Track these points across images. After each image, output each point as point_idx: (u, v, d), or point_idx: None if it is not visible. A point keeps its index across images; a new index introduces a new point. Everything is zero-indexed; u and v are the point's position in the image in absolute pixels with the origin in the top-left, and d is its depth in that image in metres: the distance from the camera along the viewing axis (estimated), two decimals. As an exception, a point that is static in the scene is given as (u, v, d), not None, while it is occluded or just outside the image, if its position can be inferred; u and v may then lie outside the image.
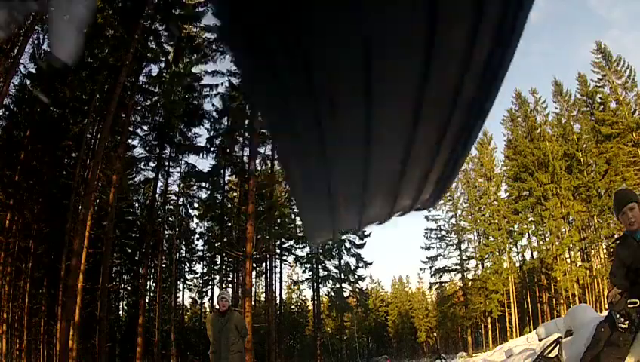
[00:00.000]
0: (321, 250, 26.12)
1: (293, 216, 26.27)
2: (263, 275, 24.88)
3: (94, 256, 14.85)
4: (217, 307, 5.94)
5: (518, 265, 28.44)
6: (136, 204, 21.51)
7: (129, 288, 21.35)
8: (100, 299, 14.57)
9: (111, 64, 14.51)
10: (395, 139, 0.51)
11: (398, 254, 75.38)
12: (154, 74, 17.53)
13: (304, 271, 27.47)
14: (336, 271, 26.89)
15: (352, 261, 26.80)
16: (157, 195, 19.66)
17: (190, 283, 23.71)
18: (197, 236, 23.32)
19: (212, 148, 19.27)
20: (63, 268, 13.36)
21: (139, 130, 18.53)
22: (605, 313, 3.25)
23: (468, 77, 0.42)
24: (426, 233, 29.75)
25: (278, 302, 24.80)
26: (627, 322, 2.76)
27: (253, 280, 22.19)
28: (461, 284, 29.91)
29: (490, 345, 25.30)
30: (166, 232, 20.89)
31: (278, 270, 25.11)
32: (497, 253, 28.17)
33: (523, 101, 28.51)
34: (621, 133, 23.59)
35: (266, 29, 0.35)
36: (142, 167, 19.47)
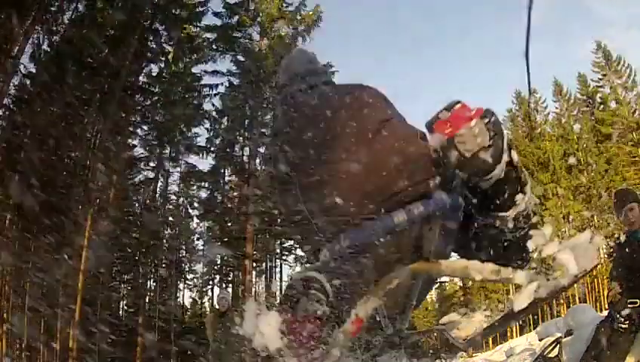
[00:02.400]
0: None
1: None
2: (263, 275, 24.86)
3: (94, 256, 14.84)
4: (217, 307, 5.94)
5: (518, 264, 28.42)
6: (136, 204, 21.49)
7: (129, 288, 21.33)
8: (100, 298, 14.58)
9: (111, 64, 14.50)
10: None
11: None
12: (154, 74, 17.54)
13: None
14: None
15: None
16: (157, 195, 19.64)
17: (190, 283, 23.67)
18: (197, 236, 23.30)
19: (212, 148, 19.25)
20: (63, 268, 13.35)
21: (139, 130, 18.53)
22: (605, 313, 3.25)
23: None
24: (426, 233, 29.80)
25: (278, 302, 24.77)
26: (627, 322, 2.76)
27: (254, 280, 22.17)
28: (461, 284, 29.89)
29: (490, 344, 25.30)
30: (166, 232, 20.87)
31: (278, 270, 25.09)
32: (497, 253, 28.18)
33: (523, 101, 28.48)
34: (621, 133, 23.58)
35: None
36: (142, 166, 19.45)
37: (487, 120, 1.12)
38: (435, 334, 1.50)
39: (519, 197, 1.19)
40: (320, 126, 1.24)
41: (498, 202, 1.18)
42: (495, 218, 1.20)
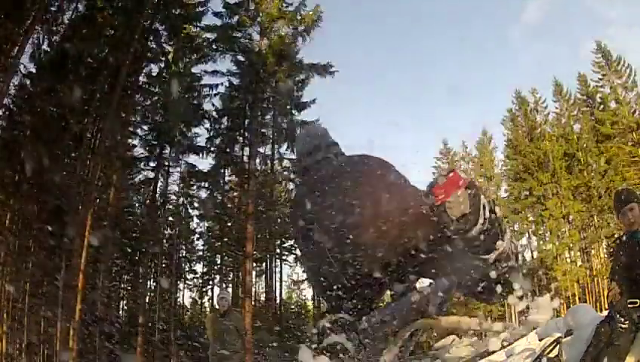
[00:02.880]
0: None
1: (293, 216, 26.23)
2: (263, 275, 24.85)
3: (94, 256, 14.85)
4: (217, 307, 5.94)
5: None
6: (137, 204, 21.50)
7: (129, 288, 21.34)
8: (99, 299, 14.58)
9: (111, 64, 14.50)
10: None
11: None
12: (154, 74, 17.54)
13: (304, 271, 27.44)
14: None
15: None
16: (157, 195, 19.64)
17: (190, 283, 23.68)
18: (197, 236, 23.30)
19: (212, 148, 19.24)
20: (63, 268, 13.36)
21: (139, 130, 18.52)
22: (605, 313, 3.24)
23: None
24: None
25: (278, 302, 24.78)
26: (627, 322, 2.75)
27: (254, 280, 22.16)
28: (461, 284, 29.88)
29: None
30: (166, 232, 20.87)
31: (278, 270, 25.08)
32: (497, 253, 28.17)
33: (523, 101, 28.47)
34: (621, 133, 23.57)
35: None
36: (142, 167, 19.45)
37: (469, 191, 1.47)
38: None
39: (499, 243, 1.54)
40: (339, 191, 1.55)
41: (481, 247, 1.51)
42: (479, 260, 1.53)
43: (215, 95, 18.91)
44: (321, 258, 1.57)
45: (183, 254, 22.96)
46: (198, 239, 23.51)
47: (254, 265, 21.57)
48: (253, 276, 21.98)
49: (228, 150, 19.36)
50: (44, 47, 14.27)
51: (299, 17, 18.45)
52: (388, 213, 1.47)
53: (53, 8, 13.83)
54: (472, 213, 1.45)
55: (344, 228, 1.50)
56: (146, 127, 18.56)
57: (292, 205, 1.97)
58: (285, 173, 20.40)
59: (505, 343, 1.66)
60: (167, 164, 19.42)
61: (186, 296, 25.75)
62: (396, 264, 1.51)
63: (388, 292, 1.62)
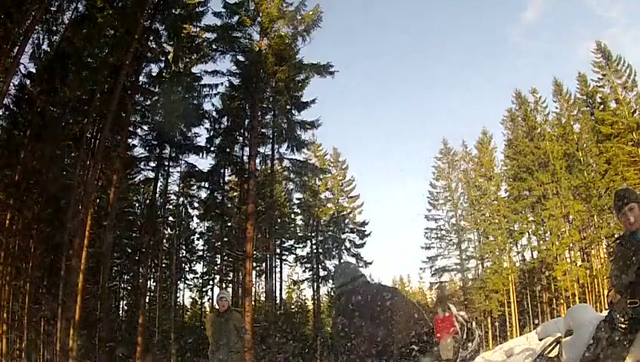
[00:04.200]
0: (321, 250, 26.09)
1: (293, 216, 26.21)
2: (263, 275, 24.86)
3: (94, 256, 14.85)
4: (217, 307, 5.94)
5: (518, 264, 28.42)
6: (137, 204, 21.50)
7: (129, 288, 21.35)
8: (100, 298, 14.58)
9: (111, 64, 14.49)
10: None
11: (398, 254, 75.22)
12: (154, 74, 17.53)
13: (304, 271, 27.45)
14: (337, 271, 26.76)
15: (352, 260, 26.76)
16: (157, 195, 19.65)
17: (190, 283, 23.69)
18: (197, 236, 23.31)
19: (212, 148, 19.24)
20: (63, 268, 13.36)
21: (139, 130, 18.52)
22: (605, 313, 3.24)
23: None
24: (425, 233, 29.68)
25: (278, 302, 24.78)
26: (627, 322, 2.75)
27: (254, 280, 22.16)
28: (461, 284, 29.89)
29: (490, 344, 25.30)
30: (166, 232, 20.87)
31: (278, 270, 25.09)
32: (497, 253, 28.16)
33: (523, 101, 28.48)
34: (621, 133, 23.57)
35: None
36: (142, 166, 19.45)
37: (454, 342, 2.13)
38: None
39: (469, 344, 2.21)
40: (369, 309, 2.32)
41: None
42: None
43: (215, 95, 18.92)
44: (353, 345, 2.29)
45: (183, 254, 22.99)
46: (198, 239, 23.56)
47: (254, 265, 21.59)
48: (253, 276, 22.01)
49: (228, 150, 19.35)
50: (44, 47, 14.28)
51: (299, 17, 18.44)
52: (404, 322, 2.21)
53: (53, 8, 13.82)
54: (454, 359, 2.13)
55: (374, 330, 2.25)
56: (146, 127, 18.58)
57: (333, 318, 2.92)
58: (285, 173, 20.40)
59: None
60: (167, 164, 19.43)
61: (186, 296, 25.78)
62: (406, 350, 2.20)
63: None
